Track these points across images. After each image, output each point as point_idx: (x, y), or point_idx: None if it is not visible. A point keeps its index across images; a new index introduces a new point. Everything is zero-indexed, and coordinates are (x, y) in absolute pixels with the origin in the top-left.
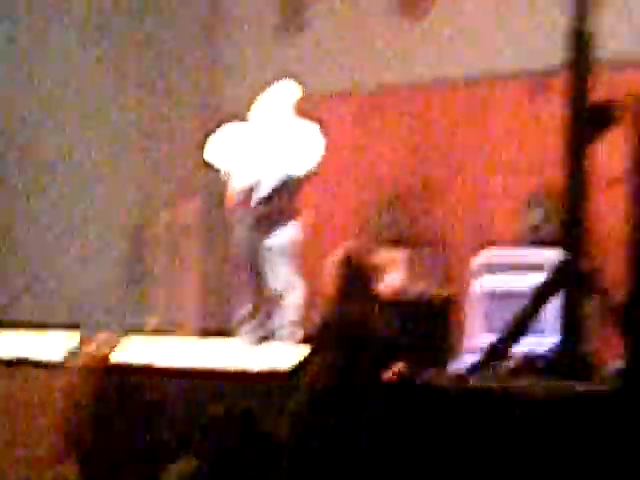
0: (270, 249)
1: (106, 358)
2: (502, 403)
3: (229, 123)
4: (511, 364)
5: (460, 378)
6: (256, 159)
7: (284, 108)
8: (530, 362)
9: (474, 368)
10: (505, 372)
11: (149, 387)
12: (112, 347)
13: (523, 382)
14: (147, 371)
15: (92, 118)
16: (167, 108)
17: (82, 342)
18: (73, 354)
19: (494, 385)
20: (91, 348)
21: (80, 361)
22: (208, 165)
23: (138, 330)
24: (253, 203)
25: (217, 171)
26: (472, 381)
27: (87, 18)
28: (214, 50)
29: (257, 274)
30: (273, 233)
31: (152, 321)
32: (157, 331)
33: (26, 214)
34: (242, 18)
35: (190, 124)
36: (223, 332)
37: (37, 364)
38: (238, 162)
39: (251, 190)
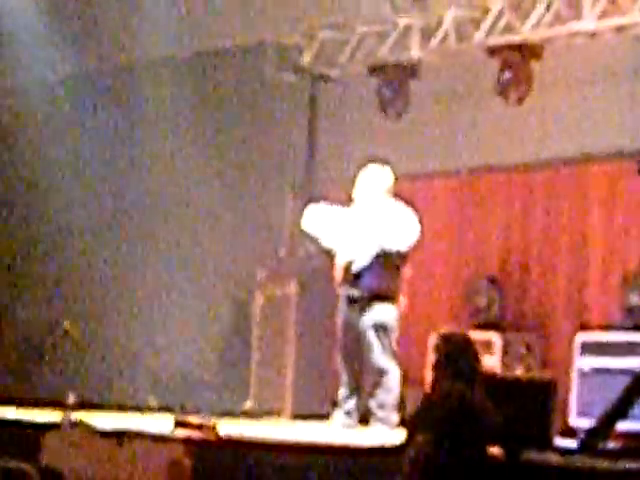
0: (366, 327)
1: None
2: None
3: (325, 202)
4: (613, 445)
5: (563, 457)
6: (353, 238)
7: (380, 190)
8: (632, 444)
9: (576, 448)
10: (608, 452)
11: (254, 461)
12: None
13: (625, 463)
14: (252, 445)
15: (194, 202)
16: (264, 188)
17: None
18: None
19: (598, 465)
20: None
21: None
22: (306, 235)
23: (232, 414)
24: (348, 280)
25: (315, 241)
26: (575, 461)
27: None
28: (312, 132)
29: (354, 353)
30: (368, 311)
31: (248, 405)
32: (252, 414)
33: (131, 298)
34: (341, 101)
35: (286, 203)
36: (319, 416)
37: (143, 436)
38: (337, 240)
39: (348, 267)
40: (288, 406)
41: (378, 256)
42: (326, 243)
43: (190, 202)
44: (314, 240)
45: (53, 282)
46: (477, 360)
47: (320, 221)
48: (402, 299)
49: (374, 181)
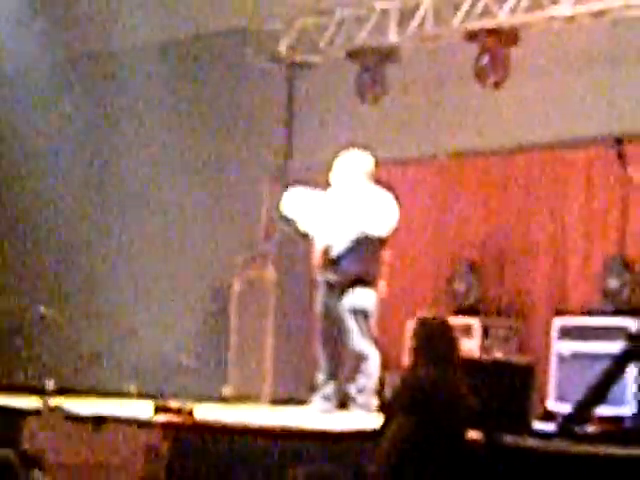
0: (345, 312)
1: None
2: (584, 467)
3: (303, 187)
4: (591, 430)
5: (541, 441)
6: (331, 223)
7: (359, 175)
8: (609, 429)
9: (555, 432)
10: (586, 437)
11: (232, 446)
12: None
13: (603, 447)
14: (229, 430)
15: (172, 188)
16: (242, 174)
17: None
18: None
19: (576, 449)
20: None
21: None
22: (284, 219)
23: (212, 398)
24: (327, 265)
25: (293, 225)
26: (553, 445)
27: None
28: (290, 117)
29: (332, 338)
30: (347, 296)
31: (226, 390)
32: (230, 399)
33: (108, 284)
34: (319, 86)
35: (264, 188)
36: (297, 400)
37: (121, 421)
38: (315, 225)
39: (326, 252)
40: (267, 391)
41: (357, 241)
42: (305, 227)
43: (168, 188)
44: (292, 224)
45: (31, 267)
46: (455, 344)
47: (299, 205)
48: (381, 284)
49: (353, 165)
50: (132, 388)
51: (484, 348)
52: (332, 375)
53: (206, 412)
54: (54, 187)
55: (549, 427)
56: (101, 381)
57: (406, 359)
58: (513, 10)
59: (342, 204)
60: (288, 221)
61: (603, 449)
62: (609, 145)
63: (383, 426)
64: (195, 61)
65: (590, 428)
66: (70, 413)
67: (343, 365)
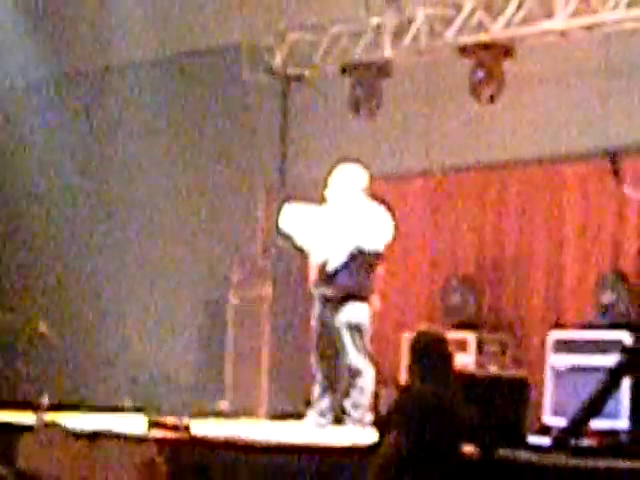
0: (340, 327)
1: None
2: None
3: (299, 202)
4: (586, 443)
5: (537, 455)
6: (327, 238)
7: (354, 190)
8: (604, 442)
9: (550, 445)
10: (581, 450)
11: (228, 461)
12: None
13: (598, 460)
14: (225, 445)
15: (168, 204)
16: (238, 189)
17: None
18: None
19: (571, 462)
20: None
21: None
22: (282, 235)
23: (208, 413)
24: (323, 280)
25: (291, 241)
26: (548, 458)
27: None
28: (285, 132)
29: (328, 353)
30: (342, 311)
31: (223, 404)
32: (227, 414)
33: (104, 299)
34: (314, 101)
35: (259, 203)
36: (294, 415)
37: (117, 437)
38: (312, 240)
39: (323, 267)
40: (263, 406)
41: (353, 255)
42: (302, 242)
43: (164, 203)
44: (289, 240)
45: (28, 283)
46: (450, 359)
47: (296, 220)
48: (376, 298)
49: (348, 180)
50: (128, 403)
51: (479, 362)
52: (328, 390)
53: (202, 427)
54: (48, 203)
55: (545, 441)
56: (96, 396)
57: (401, 374)
58: (507, 24)
59: (337, 219)
60: (285, 236)
61: (598, 462)
62: (604, 159)
63: (378, 441)
64: (190, 76)
65: (585, 441)
66: (65, 429)
67: (339, 380)
